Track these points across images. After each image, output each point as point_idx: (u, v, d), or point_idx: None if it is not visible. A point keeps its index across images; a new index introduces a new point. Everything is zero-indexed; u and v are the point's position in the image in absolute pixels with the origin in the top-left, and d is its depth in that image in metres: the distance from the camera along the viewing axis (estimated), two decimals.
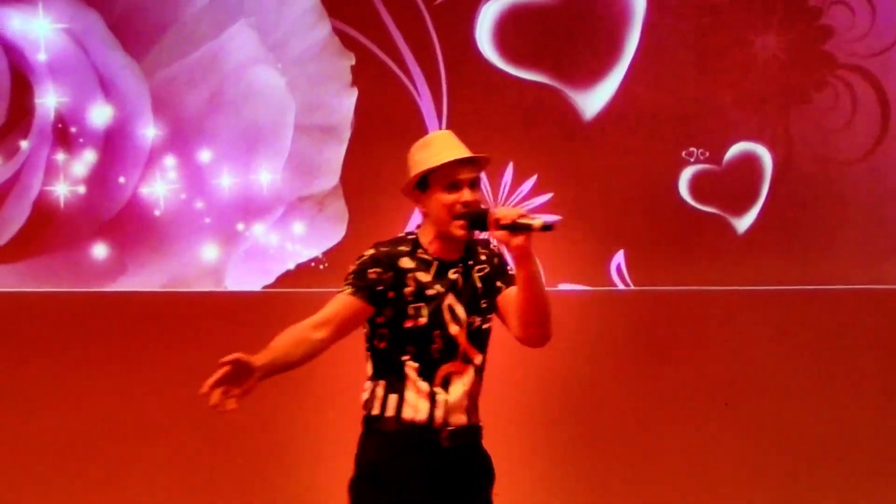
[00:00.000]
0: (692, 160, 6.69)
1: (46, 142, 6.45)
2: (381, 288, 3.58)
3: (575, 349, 6.43)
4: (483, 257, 3.70)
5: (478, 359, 3.67)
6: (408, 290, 3.60)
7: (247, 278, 6.36)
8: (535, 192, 6.59)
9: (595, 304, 6.62)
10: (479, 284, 3.66)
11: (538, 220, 3.43)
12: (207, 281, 6.37)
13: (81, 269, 6.44)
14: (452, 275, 3.64)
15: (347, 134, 6.51)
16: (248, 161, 6.53)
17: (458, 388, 3.63)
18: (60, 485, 6.39)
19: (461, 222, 3.55)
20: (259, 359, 3.35)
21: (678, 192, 6.71)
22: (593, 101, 6.66)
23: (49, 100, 6.42)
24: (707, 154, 6.70)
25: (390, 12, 6.50)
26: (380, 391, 3.65)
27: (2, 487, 6.37)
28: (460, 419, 3.64)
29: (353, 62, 6.50)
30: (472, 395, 3.68)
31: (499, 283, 3.67)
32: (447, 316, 3.62)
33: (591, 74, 6.68)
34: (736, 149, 6.70)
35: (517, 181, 6.58)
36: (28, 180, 6.45)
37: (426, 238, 3.68)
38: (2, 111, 6.42)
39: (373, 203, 6.42)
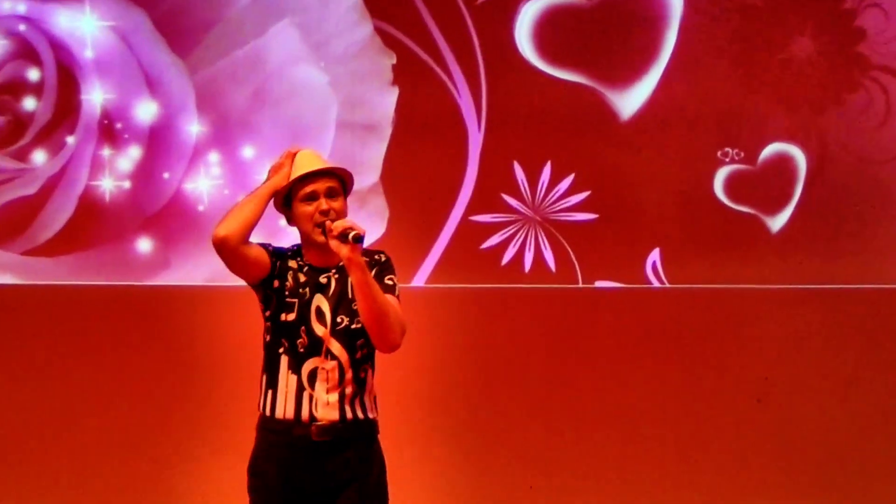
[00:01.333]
0: (727, 160, 6.67)
1: (92, 137, 6.47)
2: (278, 263, 3.87)
3: (611, 346, 6.62)
4: (361, 258, 3.80)
5: (343, 356, 3.81)
6: (288, 284, 3.86)
7: None
8: (572, 190, 6.60)
9: (630, 302, 6.63)
10: (351, 287, 3.81)
11: (354, 233, 3.64)
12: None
13: (126, 262, 6.48)
14: (323, 279, 3.87)
15: (388, 131, 6.54)
16: None
17: (324, 384, 3.80)
18: (118, 476, 6.45)
19: (319, 229, 3.79)
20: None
21: (713, 192, 6.69)
22: (630, 101, 6.64)
23: (95, 96, 6.44)
24: (742, 154, 6.68)
25: (431, 12, 6.52)
26: (263, 386, 3.86)
27: (54, 481, 6.45)
28: (330, 415, 3.80)
29: (395, 61, 6.51)
30: (348, 391, 3.81)
31: None
32: (313, 315, 3.83)
33: (628, 75, 6.66)
34: (770, 149, 6.69)
35: (555, 180, 6.59)
36: (74, 175, 6.47)
37: (304, 248, 3.93)
38: (49, 107, 6.44)
39: (413, 199, 6.49)
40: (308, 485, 3.83)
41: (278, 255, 3.93)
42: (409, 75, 6.54)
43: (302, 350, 3.83)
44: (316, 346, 3.83)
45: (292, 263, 3.91)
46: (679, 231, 6.69)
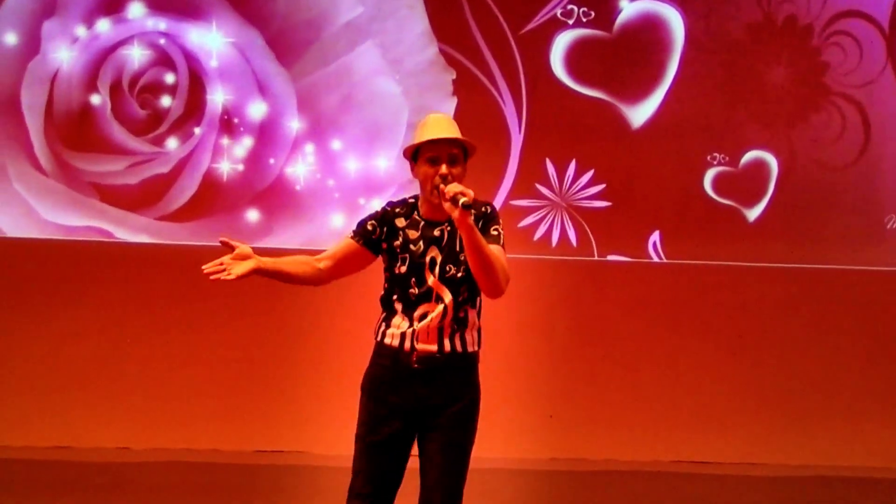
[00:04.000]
0: (714, 163, 7.06)
1: (214, 129, 6.82)
2: (374, 237, 3.80)
3: (619, 307, 6.94)
4: (471, 218, 3.67)
5: (447, 297, 3.76)
6: (397, 243, 3.81)
7: None
8: (591, 182, 6.99)
9: (635, 273, 7.00)
10: (461, 239, 3.73)
11: (464, 199, 3.50)
12: (335, 241, 5.45)
13: (238, 229, 6.74)
14: (437, 232, 3.79)
15: None
16: (369, 150, 6.83)
17: (427, 321, 3.76)
18: (258, 395, 6.71)
19: (436, 190, 3.69)
20: (262, 259, 3.65)
21: (703, 188, 7.07)
22: (640, 113, 7.03)
23: (218, 97, 6.82)
24: (727, 158, 7.07)
25: (484, 38, 6.87)
26: (380, 318, 3.86)
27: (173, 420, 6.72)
28: (430, 346, 3.76)
29: (454, 76, 6.88)
30: (445, 328, 3.77)
31: None
32: (427, 267, 3.78)
33: (638, 92, 7.01)
34: (749, 155, 7.08)
35: (578, 174, 7.01)
36: (199, 159, 6.83)
37: (421, 202, 3.86)
38: (181, 104, 6.82)
39: (465, 185, 5.20)
40: (408, 403, 3.79)
41: (381, 222, 3.83)
42: (465, 88, 6.86)
43: (414, 298, 3.80)
44: (426, 293, 3.79)
45: (400, 222, 3.83)
46: (675, 217, 7.06)
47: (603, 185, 7.03)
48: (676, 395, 6.93)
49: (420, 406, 3.75)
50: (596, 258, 6.98)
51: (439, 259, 3.74)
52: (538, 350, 6.87)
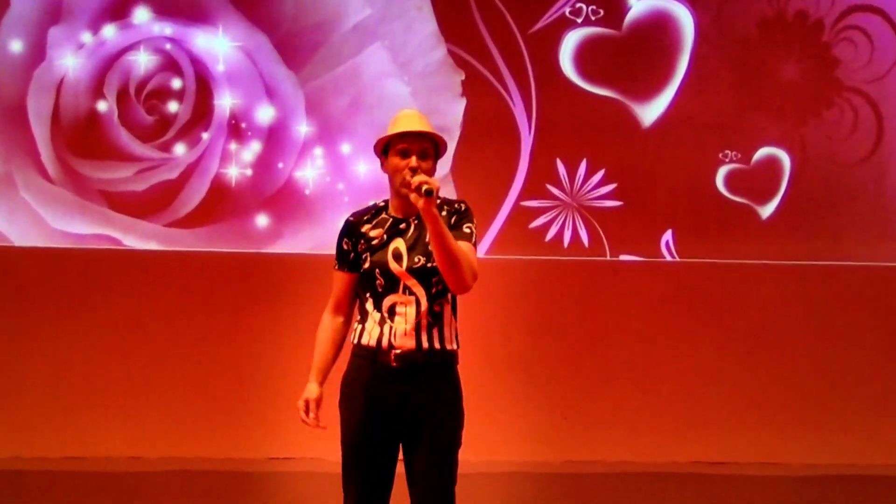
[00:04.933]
0: (727, 160, 6.97)
1: (222, 134, 6.73)
2: (352, 256, 3.78)
3: (632, 307, 6.87)
4: (444, 212, 3.72)
5: (419, 291, 3.70)
6: (361, 246, 3.80)
7: None
8: (603, 182, 6.91)
9: (648, 272, 6.91)
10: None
11: (427, 187, 3.50)
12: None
13: (248, 234, 6.72)
14: (402, 225, 3.76)
15: (457, 133, 6.73)
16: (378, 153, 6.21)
17: (403, 317, 3.70)
18: (247, 398, 6.61)
19: (406, 182, 3.65)
20: (317, 381, 3.75)
21: (715, 185, 6.99)
22: (650, 111, 6.94)
23: (225, 101, 6.73)
24: (739, 156, 6.97)
25: (493, 38, 6.83)
26: (355, 323, 3.81)
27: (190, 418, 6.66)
28: (407, 343, 3.70)
29: (463, 77, 6.80)
30: (424, 323, 3.71)
31: None
32: (389, 257, 3.72)
33: (649, 91, 6.93)
34: (762, 152, 6.98)
35: (589, 173, 6.92)
36: (207, 164, 6.74)
37: (391, 200, 3.85)
38: (188, 109, 6.74)
39: (476, 187, 6.63)
40: (389, 404, 3.72)
41: (349, 235, 3.83)
42: (474, 89, 6.79)
43: (381, 290, 3.73)
44: (393, 283, 3.72)
45: (364, 228, 3.82)
46: (688, 216, 6.98)
47: (614, 185, 6.97)
48: (693, 394, 6.88)
49: (402, 406, 3.70)
50: (608, 258, 6.94)
51: (405, 249, 3.71)
52: (551, 351, 6.83)
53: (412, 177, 3.59)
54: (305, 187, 6.82)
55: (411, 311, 3.68)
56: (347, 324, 3.82)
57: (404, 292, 3.69)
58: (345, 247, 3.80)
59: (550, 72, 6.91)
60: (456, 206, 3.78)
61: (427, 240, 3.66)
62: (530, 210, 6.93)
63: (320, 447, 6.13)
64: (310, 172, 6.81)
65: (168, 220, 6.81)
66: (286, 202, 6.80)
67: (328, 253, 5.90)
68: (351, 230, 3.81)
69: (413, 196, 3.52)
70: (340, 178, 6.81)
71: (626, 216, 6.92)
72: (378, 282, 3.71)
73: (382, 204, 3.85)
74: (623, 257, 6.94)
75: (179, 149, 6.82)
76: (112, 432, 6.67)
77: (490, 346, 6.61)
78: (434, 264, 3.64)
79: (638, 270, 6.92)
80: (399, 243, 3.72)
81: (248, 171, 6.79)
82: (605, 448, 6.83)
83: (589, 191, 6.95)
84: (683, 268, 6.93)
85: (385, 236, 3.73)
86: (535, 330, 6.82)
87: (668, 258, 6.96)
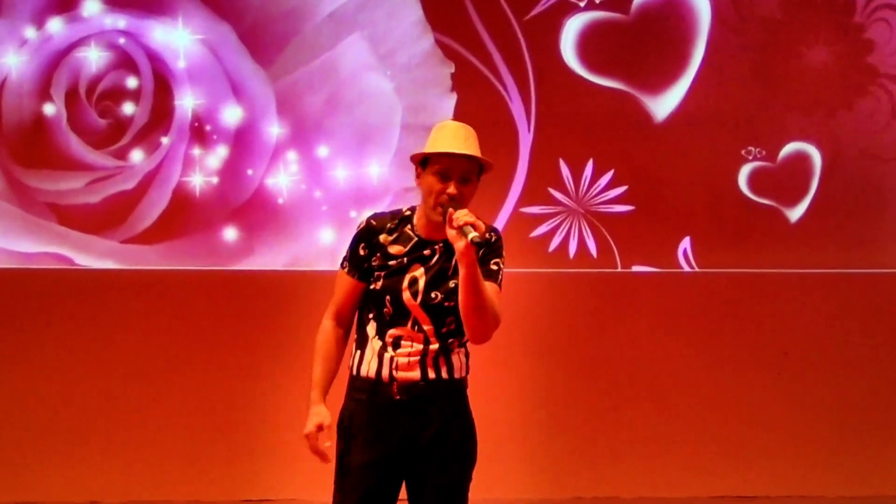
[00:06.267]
0: (750, 158, 6.78)
1: (184, 138, 6.54)
2: (366, 265, 3.62)
3: (646, 324, 6.70)
4: (476, 255, 3.52)
5: (429, 328, 3.57)
6: (377, 259, 3.62)
7: None
8: (612, 184, 6.69)
9: (664, 285, 6.71)
10: (453, 265, 3.54)
11: (474, 234, 3.29)
12: (324, 261, 6.36)
13: (214, 250, 6.53)
14: (427, 251, 3.59)
15: None
16: (360, 156, 6.58)
17: (408, 349, 3.59)
18: (220, 434, 6.43)
19: (440, 209, 3.48)
20: (320, 400, 3.57)
21: (738, 186, 6.79)
22: (663, 105, 6.76)
23: (187, 101, 6.52)
24: (763, 153, 6.79)
25: (486, 26, 6.62)
26: (354, 346, 3.68)
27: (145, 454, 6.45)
28: (411, 374, 3.58)
29: (453, 70, 6.60)
30: (431, 353, 3.59)
31: None
32: (405, 284, 3.57)
33: (661, 81, 6.76)
34: (789, 148, 6.81)
35: (597, 175, 6.69)
36: (168, 172, 6.53)
37: (419, 215, 3.66)
38: (146, 111, 6.52)
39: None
40: (393, 441, 3.61)
41: (369, 243, 3.67)
42: (466, 83, 6.60)
43: (388, 318, 3.61)
44: (402, 315, 3.60)
45: (383, 238, 3.65)
46: (707, 221, 6.80)
47: (625, 188, 6.73)
48: (715, 421, 6.68)
49: (406, 443, 3.58)
50: (619, 269, 6.72)
51: (422, 280, 3.54)
52: (556, 375, 6.62)
53: (452, 207, 3.40)
54: (278, 196, 6.59)
55: (417, 347, 3.58)
56: (348, 336, 3.69)
57: (413, 327, 3.57)
58: (361, 252, 3.63)
59: (551, 62, 6.72)
60: (488, 235, 3.55)
61: (450, 273, 3.54)
62: (531, 217, 6.74)
63: (298, 487, 6.32)
64: (283, 179, 6.60)
65: (125, 235, 6.58)
66: (257, 213, 6.61)
67: (305, 269, 6.03)
68: (371, 234, 3.63)
69: (452, 233, 3.34)
70: (317, 184, 6.60)
71: (639, 222, 6.73)
72: (386, 309, 3.58)
73: (408, 213, 3.66)
74: (636, 268, 6.74)
75: (136, 155, 6.57)
76: (66, 475, 6.45)
77: (488, 371, 5.89)
78: (452, 304, 3.53)
79: (652, 283, 6.75)
80: (418, 272, 3.57)
81: (214, 179, 6.58)
82: (619, 482, 6.67)
83: (596, 194, 6.72)
84: (703, 279, 6.76)
85: (405, 259, 3.57)
86: (539, 351, 6.62)
87: (686, 268, 6.76)
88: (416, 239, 3.60)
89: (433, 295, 3.54)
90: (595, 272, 6.75)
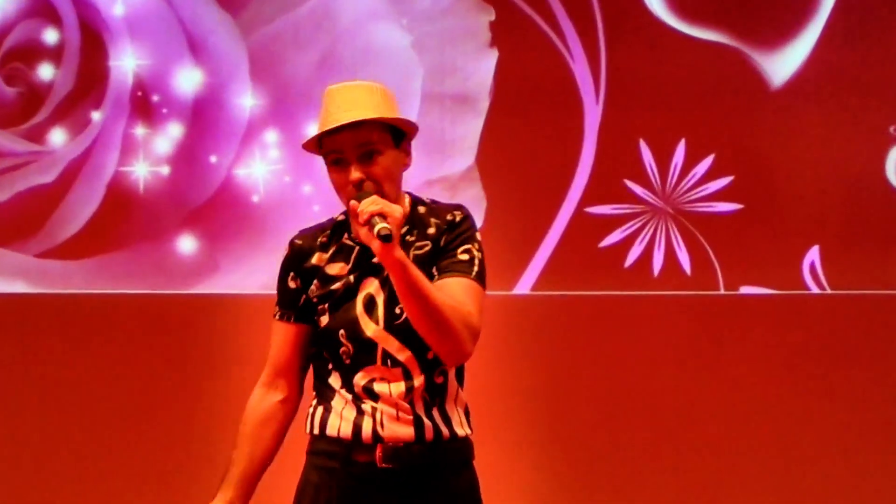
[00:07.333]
0: None
1: (123, 113, 5.93)
2: (303, 300, 3.26)
3: (760, 363, 6.05)
4: (431, 230, 3.20)
5: (407, 357, 3.19)
6: (315, 288, 3.27)
7: None
8: (711, 175, 6.00)
9: (783, 310, 6.03)
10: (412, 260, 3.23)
11: (381, 225, 2.96)
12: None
13: (164, 266, 5.94)
14: (376, 259, 3.19)
15: (486, 104, 5.94)
16: None
17: (388, 396, 3.19)
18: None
19: (354, 206, 3.14)
20: (235, 497, 3.15)
21: (885, 177, 6.09)
22: (783, 65, 6.06)
23: (127, 62, 5.92)
24: None
25: None
26: (313, 403, 3.34)
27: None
28: (401, 432, 3.19)
29: (493, 17, 5.94)
30: (421, 401, 3.21)
31: (434, 269, 3.15)
32: (360, 309, 3.22)
33: (780, 33, 6.09)
34: None
35: (690, 161, 6.00)
36: (101, 159, 5.93)
37: (353, 221, 3.27)
38: (69, 76, 5.91)
39: (515, 187, 5.94)
40: None
41: (298, 270, 3.28)
42: (510, 35, 5.97)
43: (349, 361, 3.19)
44: (367, 351, 3.17)
45: (317, 258, 3.27)
46: (843, 225, 6.10)
47: (729, 178, 6.02)
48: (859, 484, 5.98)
49: None
50: (722, 292, 6.09)
51: (381, 296, 3.16)
52: (639, 432, 6.00)
53: (356, 202, 3.02)
54: (253, 192, 5.99)
55: (398, 388, 3.13)
56: (290, 405, 3.26)
57: (384, 362, 3.14)
58: (291, 284, 3.27)
59: (628, 8, 6.04)
60: (449, 216, 3.22)
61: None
62: (600, 220, 6.11)
63: None
64: (259, 169, 5.99)
65: (41, 247, 5.97)
66: (223, 216, 6.01)
67: None
68: (299, 259, 3.27)
69: (363, 231, 2.98)
70: (306, 176, 5.97)
71: (749, 227, 6.03)
72: (343, 348, 3.17)
73: (341, 218, 3.29)
74: (745, 290, 6.05)
75: (57, 137, 5.97)
76: None
77: (538, 426, 6.01)
78: None
79: (768, 309, 6.05)
80: (373, 287, 3.18)
81: (164, 170, 5.99)
82: None
83: (690, 188, 6.03)
84: (837, 303, 6.05)
85: (352, 276, 3.19)
86: (612, 399, 6.04)
87: (814, 289, 6.06)
88: (357, 248, 3.26)
89: (398, 311, 3.19)
90: (690, 295, 6.13)
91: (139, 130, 5.91)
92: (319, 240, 3.27)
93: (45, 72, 5.89)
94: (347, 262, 3.22)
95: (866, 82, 6.08)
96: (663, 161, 6.01)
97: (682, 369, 6.07)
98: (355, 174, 3.10)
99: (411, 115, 5.83)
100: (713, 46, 6.04)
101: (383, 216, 2.94)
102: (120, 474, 5.96)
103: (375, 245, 2.99)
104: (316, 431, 3.22)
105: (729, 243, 6.05)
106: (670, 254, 6.07)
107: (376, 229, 2.95)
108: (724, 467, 6.03)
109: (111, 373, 5.88)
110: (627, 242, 6.06)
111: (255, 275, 5.95)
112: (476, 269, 3.18)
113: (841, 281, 6.04)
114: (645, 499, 6.11)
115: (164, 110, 5.92)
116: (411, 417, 3.17)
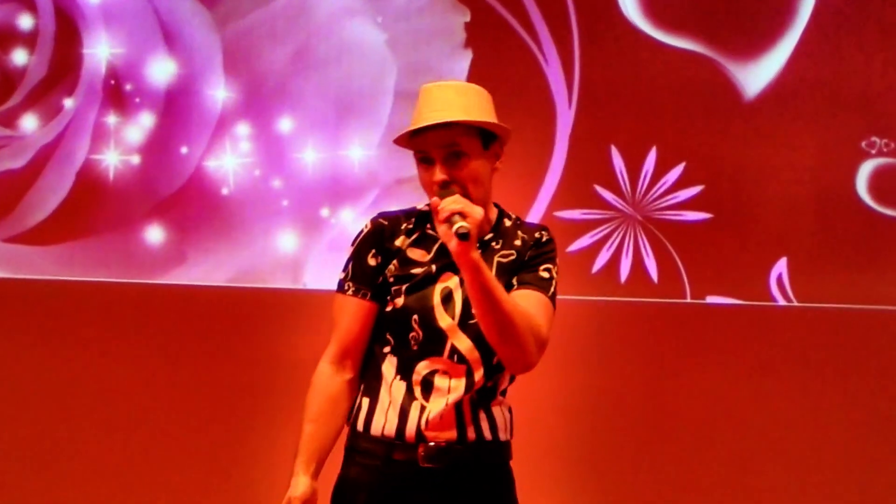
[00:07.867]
0: (873, 152, 6.13)
1: (95, 101, 5.97)
2: (381, 279, 3.27)
3: (725, 373, 6.07)
4: (518, 242, 3.25)
5: (474, 357, 3.22)
6: (392, 268, 3.29)
7: (331, 275, 5.73)
8: (681, 183, 6.02)
9: (750, 322, 6.04)
10: (496, 267, 3.27)
11: (460, 224, 3.00)
12: (283, 276, 5.95)
13: (132, 255, 5.95)
14: None
15: None
16: (337, 133, 6.10)
17: (443, 394, 3.23)
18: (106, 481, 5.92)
19: (435, 202, 3.20)
20: (309, 473, 3.16)
21: (855, 190, 6.10)
22: (756, 76, 6.09)
23: (100, 50, 5.95)
24: (891, 145, 6.13)
25: None
26: (359, 395, 3.35)
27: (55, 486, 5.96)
28: (446, 433, 3.21)
29: (468, 18, 5.98)
30: (471, 403, 3.24)
31: (514, 279, 3.18)
32: (437, 299, 3.25)
33: (755, 44, 6.12)
34: None
35: (661, 169, 6.02)
36: (71, 146, 5.95)
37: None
38: (43, 62, 5.96)
39: (494, 186, 5.78)
40: None
41: (380, 249, 3.30)
42: (485, 37, 5.98)
43: (416, 347, 3.21)
44: (436, 341, 3.19)
45: (400, 241, 3.29)
46: (811, 238, 6.11)
47: (700, 188, 6.05)
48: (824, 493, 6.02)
49: None
50: (689, 300, 6.12)
51: (459, 293, 3.17)
52: (611, 436, 6.05)
53: (438, 199, 3.07)
54: (223, 185, 6.00)
55: (459, 385, 3.16)
56: (355, 387, 3.28)
57: (451, 357, 3.17)
58: (371, 261, 3.26)
59: (604, 14, 6.06)
60: (538, 234, 3.30)
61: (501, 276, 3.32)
62: (569, 224, 6.09)
63: None
64: (229, 162, 6.00)
65: (9, 232, 6.01)
66: (193, 207, 6.03)
67: (257, 286, 5.87)
68: (382, 237, 3.28)
69: (442, 229, 3.02)
70: (277, 170, 6.01)
71: (718, 236, 6.07)
72: (413, 333, 3.20)
73: (425, 209, 3.32)
74: (711, 299, 6.08)
75: (28, 122, 5.99)
76: None
77: (522, 428, 5.36)
78: None
79: (734, 320, 6.07)
80: (451, 282, 3.21)
81: (135, 159, 6.00)
82: None
83: (659, 196, 6.05)
84: (804, 316, 6.06)
85: (433, 266, 3.22)
86: (583, 405, 6.02)
87: (781, 301, 6.09)
88: (440, 242, 3.27)
89: (474, 311, 3.22)
90: (656, 302, 6.17)
91: (111, 119, 5.97)
92: (404, 225, 3.28)
93: (19, 57, 5.93)
94: (429, 252, 3.25)
95: (839, 97, 6.12)
96: (634, 168, 6.04)
97: (646, 376, 6.10)
98: (439, 175, 3.15)
99: (384, 112, 5.95)
100: (688, 55, 6.07)
101: (463, 215, 2.97)
102: (83, 462, 5.92)
103: (453, 243, 3.03)
104: (360, 428, 3.25)
105: (697, 252, 6.09)
106: (638, 261, 6.09)
107: (455, 227, 2.98)
108: (685, 473, 6.04)
109: (77, 360, 5.86)
110: (595, 248, 6.08)
111: (222, 268, 6.00)
112: (552, 289, 3.24)
113: (808, 294, 6.06)
114: (608, 502, 6.14)
115: (137, 100, 5.97)
116: (455, 420, 3.20)
